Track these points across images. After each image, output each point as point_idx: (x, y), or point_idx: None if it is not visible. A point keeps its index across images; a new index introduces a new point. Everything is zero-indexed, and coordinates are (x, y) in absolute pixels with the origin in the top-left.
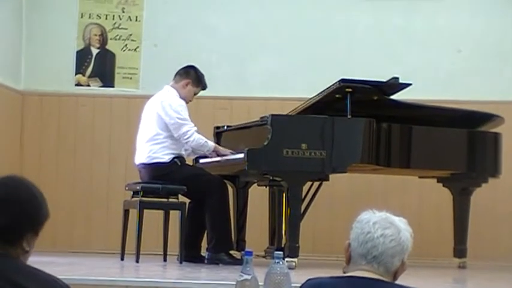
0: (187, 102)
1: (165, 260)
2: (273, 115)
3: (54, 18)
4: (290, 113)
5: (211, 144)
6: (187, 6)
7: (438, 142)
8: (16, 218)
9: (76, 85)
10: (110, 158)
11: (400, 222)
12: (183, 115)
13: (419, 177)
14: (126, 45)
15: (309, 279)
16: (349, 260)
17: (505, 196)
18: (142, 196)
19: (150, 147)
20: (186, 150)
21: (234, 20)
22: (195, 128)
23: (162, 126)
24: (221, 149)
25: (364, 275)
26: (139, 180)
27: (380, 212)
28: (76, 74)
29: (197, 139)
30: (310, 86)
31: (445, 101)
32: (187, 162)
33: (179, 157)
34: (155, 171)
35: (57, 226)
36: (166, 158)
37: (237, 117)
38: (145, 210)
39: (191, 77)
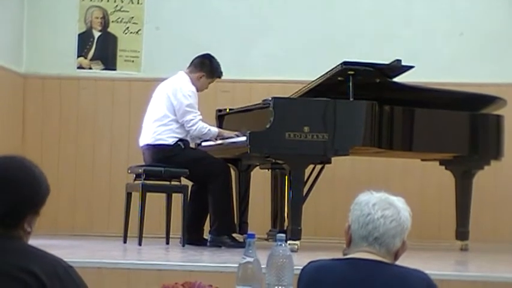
0: (202, 91)
1: (167, 243)
2: (275, 98)
3: (55, 1)
4: (292, 96)
5: (215, 130)
6: None
7: (440, 125)
8: (16, 203)
9: (78, 68)
10: (111, 140)
11: (399, 202)
12: (191, 102)
13: (422, 160)
14: (127, 28)
15: (311, 262)
16: (349, 242)
17: (507, 178)
18: (144, 179)
19: (155, 128)
20: (192, 138)
21: (236, 2)
22: (200, 117)
23: (170, 109)
24: (226, 133)
25: (365, 256)
26: (142, 163)
27: (378, 193)
28: (78, 57)
29: (199, 128)
30: (312, 69)
31: (447, 84)
32: (191, 146)
33: (183, 140)
34: (159, 153)
35: (59, 209)
36: (170, 141)
37: (239, 100)
38: (147, 193)
39: (205, 70)
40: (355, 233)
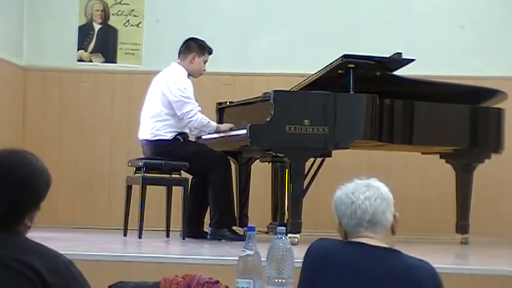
0: (200, 74)
1: (167, 236)
2: (275, 91)
3: None
4: (293, 89)
5: (214, 124)
6: None
7: (441, 118)
8: (16, 202)
9: (78, 61)
10: (112, 133)
11: (374, 181)
12: (187, 93)
13: (422, 153)
14: (128, 20)
15: (320, 239)
16: (345, 237)
17: (507, 172)
18: (145, 172)
19: (153, 124)
20: (191, 130)
21: None
22: (199, 108)
23: (166, 104)
24: (223, 127)
25: (371, 242)
26: (142, 156)
27: (350, 183)
28: (78, 50)
29: (200, 119)
30: (313, 62)
31: (448, 77)
32: (190, 139)
33: (182, 134)
34: (158, 148)
35: (59, 202)
36: (169, 136)
37: (240, 93)
38: (148, 186)
39: (194, 50)
40: (348, 226)
